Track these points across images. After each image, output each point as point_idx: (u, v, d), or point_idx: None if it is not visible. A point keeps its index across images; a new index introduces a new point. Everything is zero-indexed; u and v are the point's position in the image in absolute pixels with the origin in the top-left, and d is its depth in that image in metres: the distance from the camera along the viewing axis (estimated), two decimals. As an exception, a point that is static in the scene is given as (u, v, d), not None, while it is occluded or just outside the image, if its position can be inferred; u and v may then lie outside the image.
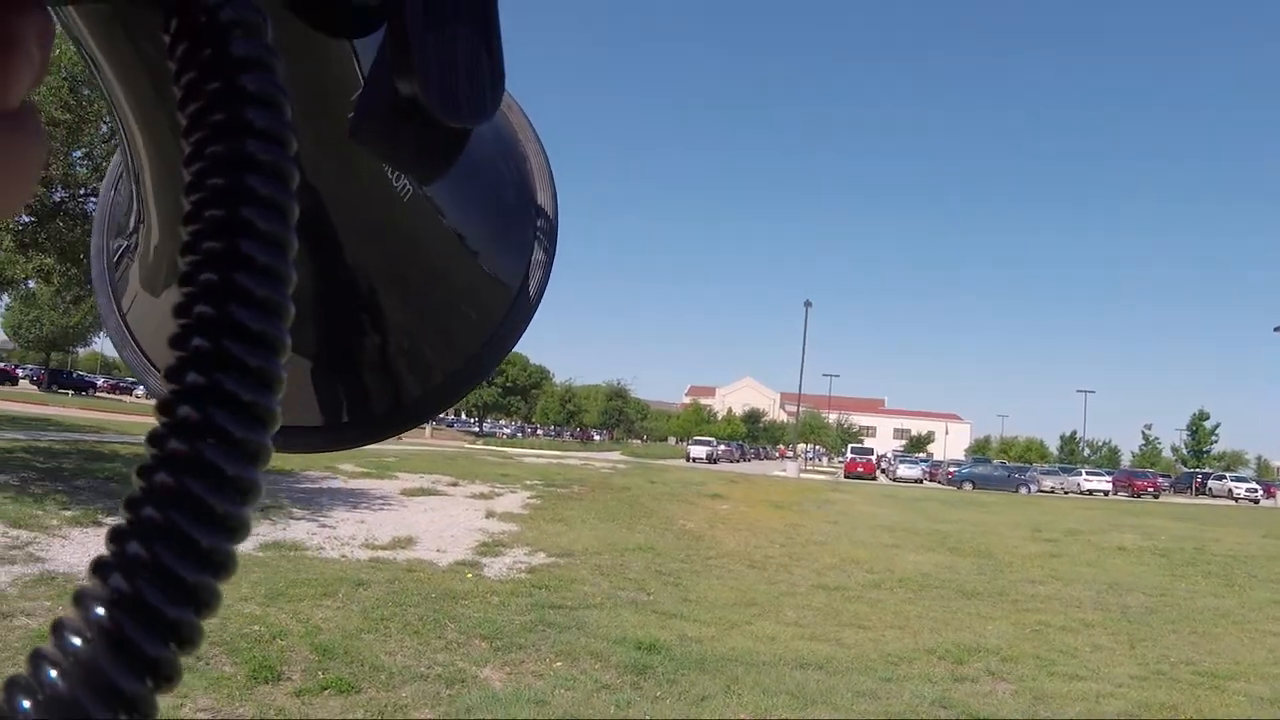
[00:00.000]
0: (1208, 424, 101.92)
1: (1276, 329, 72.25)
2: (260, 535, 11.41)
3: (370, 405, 0.57)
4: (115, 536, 0.25)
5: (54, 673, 0.23)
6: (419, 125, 0.36)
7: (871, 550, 17.64)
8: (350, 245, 0.50)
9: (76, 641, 0.24)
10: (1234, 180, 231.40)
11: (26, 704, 0.23)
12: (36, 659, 0.24)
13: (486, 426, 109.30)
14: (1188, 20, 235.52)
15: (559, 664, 7.51)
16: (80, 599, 0.24)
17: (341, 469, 23.10)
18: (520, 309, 0.58)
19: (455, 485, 23.01)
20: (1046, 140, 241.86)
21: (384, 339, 0.56)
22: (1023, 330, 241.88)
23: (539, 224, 0.59)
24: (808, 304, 74.39)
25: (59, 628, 0.24)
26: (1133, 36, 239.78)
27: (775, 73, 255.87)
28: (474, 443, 65.21)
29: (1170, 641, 10.84)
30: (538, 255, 0.59)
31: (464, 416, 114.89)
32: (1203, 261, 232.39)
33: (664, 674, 7.46)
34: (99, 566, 0.25)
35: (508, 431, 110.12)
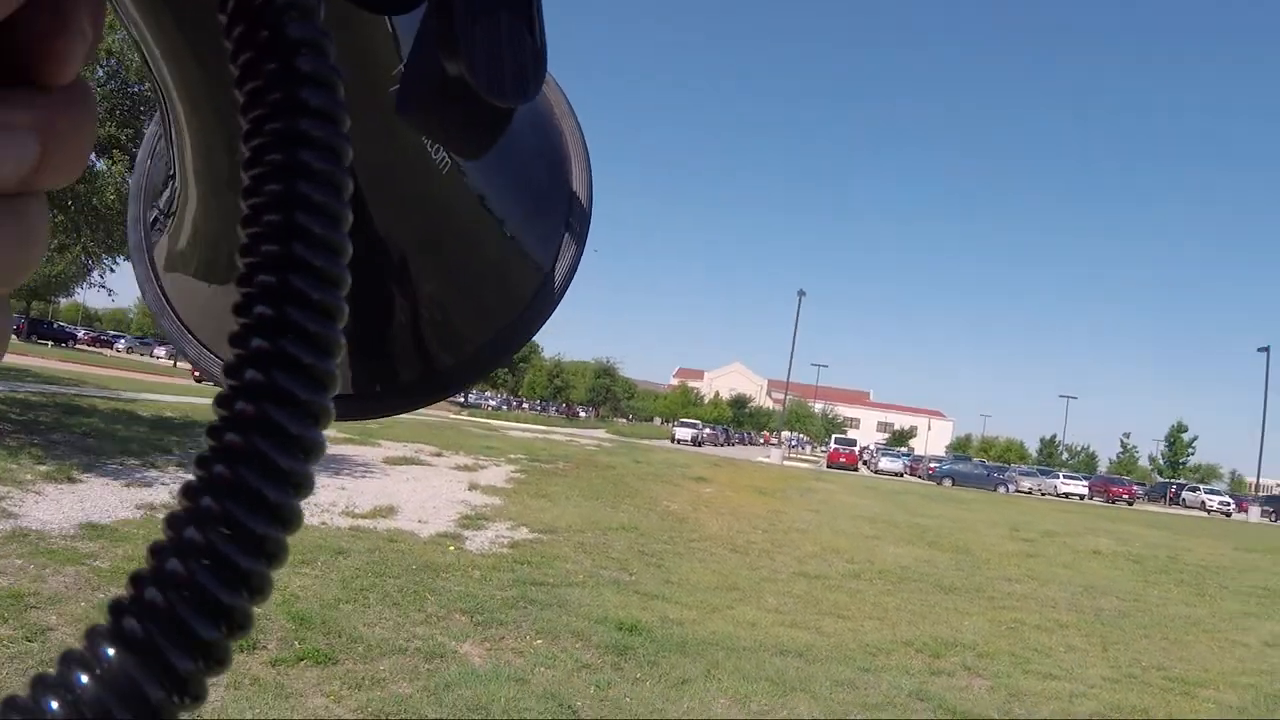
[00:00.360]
0: (1185, 436, 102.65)
1: (1260, 349, 72.89)
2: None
3: (401, 375, 0.58)
4: (188, 491, 0.26)
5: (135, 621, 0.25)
6: (463, 103, 0.37)
7: (852, 540, 17.69)
8: (388, 216, 0.51)
9: (155, 593, 0.25)
10: (1226, 197, 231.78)
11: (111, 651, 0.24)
12: (118, 610, 0.25)
13: (472, 398, 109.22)
14: (1191, 21, 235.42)
15: (539, 642, 7.50)
16: (154, 550, 0.26)
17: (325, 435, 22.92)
18: (550, 287, 0.59)
19: (439, 455, 22.95)
20: (1046, 141, 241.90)
21: (417, 309, 0.57)
22: (1010, 333, 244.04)
23: (573, 206, 0.61)
24: (801, 293, 74.66)
25: (138, 580, 0.25)
26: (1153, 36, 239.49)
27: (777, 62, 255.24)
28: (459, 413, 65.19)
29: (1142, 646, 10.91)
30: (569, 236, 0.60)
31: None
32: (1193, 279, 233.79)
33: (645, 656, 7.47)
34: (173, 520, 0.26)
35: (494, 404, 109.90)
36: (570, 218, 0.60)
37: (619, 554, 12.27)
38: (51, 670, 0.25)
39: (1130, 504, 64.63)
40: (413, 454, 22.11)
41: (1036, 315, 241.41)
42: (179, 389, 33.35)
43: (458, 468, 20.87)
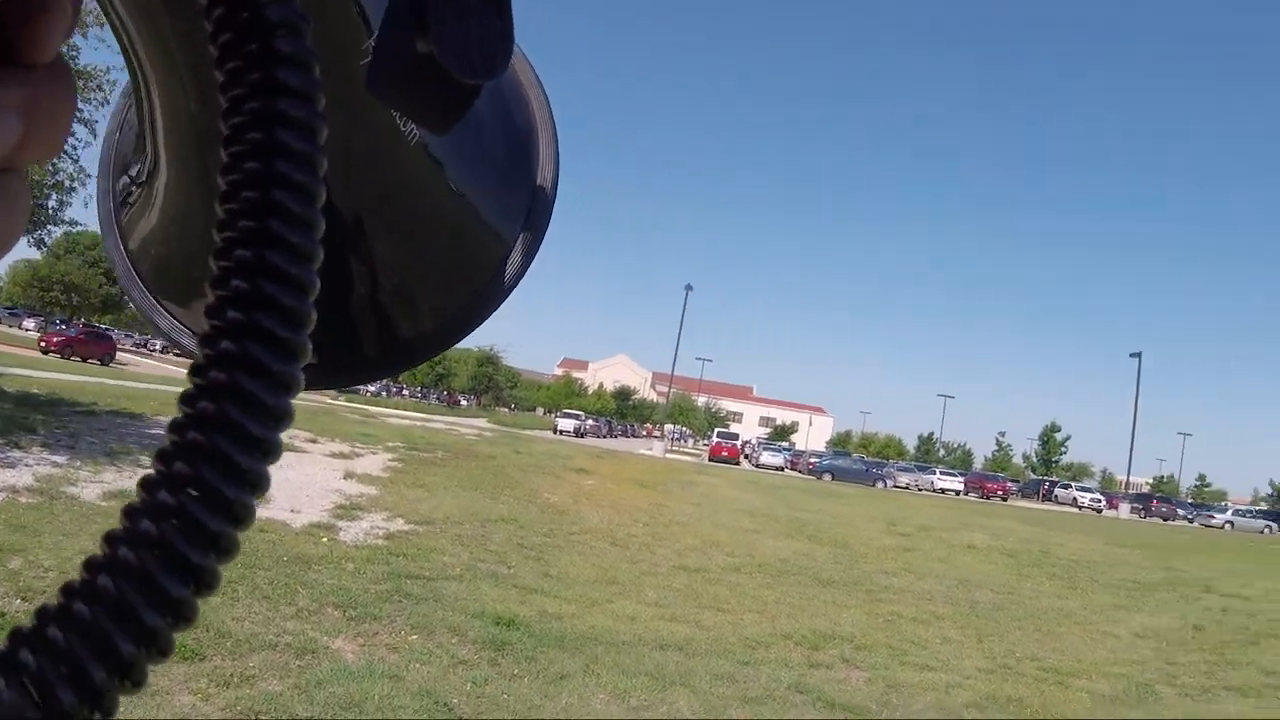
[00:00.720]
0: (1058, 435, 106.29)
1: (1132, 354, 75.77)
2: (105, 483, 10.85)
3: (362, 346, 0.58)
4: (162, 456, 0.28)
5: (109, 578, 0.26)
6: (433, 81, 0.38)
7: (733, 534, 17.78)
8: (358, 188, 0.51)
9: (127, 552, 0.27)
10: (1101, 204, 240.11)
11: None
12: (91, 565, 0.27)
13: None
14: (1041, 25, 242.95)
15: (414, 637, 7.31)
16: (130, 511, 0.27)
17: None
18: (512, 266, 0.60)
19: (314, 442, 22.32)
20: (928, 142, 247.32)
21: (381, 281, 0.56)
22: (892, 332, 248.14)
23: (539, 178, 0.62)
24: (688, 288, 75.06)
25: (115, 532, 0.27)
26: (1015, 36, 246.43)
27: (665, 57, 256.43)
28: (336, 398, 64.17)
29: (1016, 637, 11.16)
30: (535, 208, 0.61)
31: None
32: (1069, 285, 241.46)
33: (522, 651, 7.34)
34: (147, 484, 0.28)
35: (372, 389, 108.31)
36: (535, 189, 0.61)
37: (497, 547, 12.09)
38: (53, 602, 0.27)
39: (1005, 500, 66.69)
40: (286, 439, 20.34)
41: (917, 315, 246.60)
42: (49, 365, 31.91)
43: (333, 455, 20.31)
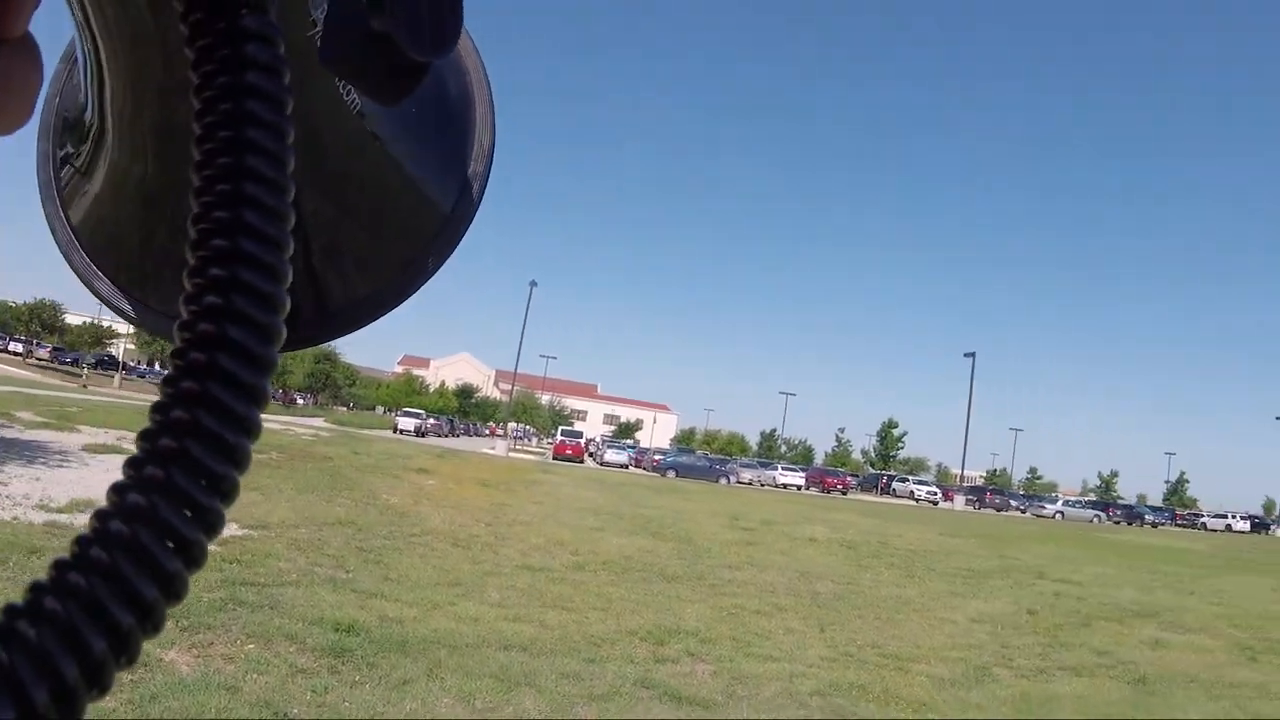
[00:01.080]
0: (896, 431, 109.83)
1: (967, 354, 79.03)
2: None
3: (299, 312, 0.56)
4: (144, 435, 0.29)
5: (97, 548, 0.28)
6: (386, 55, 0.39)
7: (576, 532, 17.75)
8: (303, 155, 0.47)
9: (118, 525, 0.28)
10: (938, 208, 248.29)
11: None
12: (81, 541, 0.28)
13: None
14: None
15: (251, 646, 7.04)
16: (118, 488, 0.29)
17: (20, 417, 21.28)
18: (447, 235, 0.60)
19: (142, 442, 21.48)
20: (767, 145, 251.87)
21: (317, 247, 0.56)
22: (735, 331, 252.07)
23: (475, 148, 0.61)
24: (533, 284, 75.02)
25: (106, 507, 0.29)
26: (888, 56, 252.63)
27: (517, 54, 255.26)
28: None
29: (857, 626, 11.43)
30: (471, 178, 0.61)
31: (158, 367, 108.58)
32: (905, 287, 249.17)
33: (363, 657, 7.15)
34: (132, 462, 0.29)
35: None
36: (471, 160, 0.61)
37: (335, 551, 11.78)
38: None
39: (844, 494, 68.62)
40: (115, 441, 20.58)
41: (760, 315, 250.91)
42: None
43: (165, 458, 19.55)
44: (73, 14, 0.45)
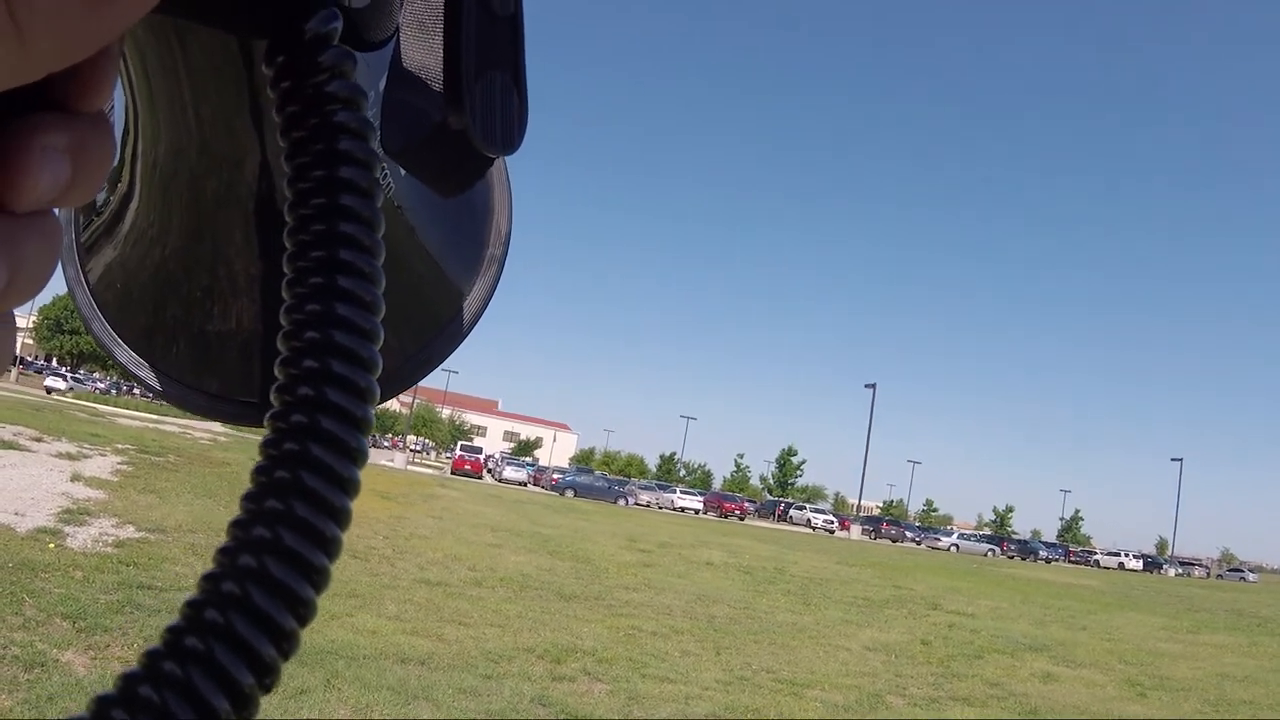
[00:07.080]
0: (795, 459, 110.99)
1: (867, 385, 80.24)
2: None
3: None
4: (250, 497, 0.31)
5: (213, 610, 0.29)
6: (454, 149, 0.41)
7: (475, 548, 17.62)
8: None
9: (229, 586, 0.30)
10: (843, 237, 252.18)
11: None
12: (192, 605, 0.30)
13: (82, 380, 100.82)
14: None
15: (144, 649, 6.88)
16: (226, 549, 0.30)
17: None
18: (469, 311, 0.61)
19: (40, 441, 20.70)
20: (673, 161, 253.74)
21: None
22: (637, 352, 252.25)
23: (494, 234, 0.62)
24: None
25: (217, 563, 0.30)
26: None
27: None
28: (65, 395, 60.12)
29: (753, 651, 11.49)
30: (489, 264, 0.62)
31: (55, 363, 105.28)
32: (807, 317, 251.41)
33: (257, 664, 7.01)
34: (238, 523, 0.30)
35: (102, 387, 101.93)
36: (491, 246, 0.62)
37: (231, 557, 11.51)
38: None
39: (742, 519, 68.87)
40: (10, 438, 19.81)
41: (661, 336, 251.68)
42: None
43: (60, 455, 18.88)
44: (121, 79, 0.44)
